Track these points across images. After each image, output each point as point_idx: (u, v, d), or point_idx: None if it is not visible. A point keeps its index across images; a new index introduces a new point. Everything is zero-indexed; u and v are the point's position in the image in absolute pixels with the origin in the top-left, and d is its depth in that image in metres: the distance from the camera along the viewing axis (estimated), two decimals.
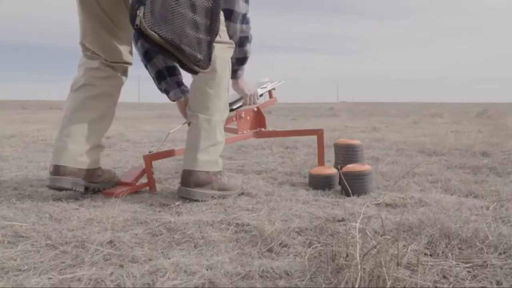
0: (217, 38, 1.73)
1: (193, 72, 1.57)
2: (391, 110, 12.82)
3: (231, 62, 1.96)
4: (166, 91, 1.99)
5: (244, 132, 2.24)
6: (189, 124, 1.77)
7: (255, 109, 2.28)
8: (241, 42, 1.96)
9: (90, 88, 1.74)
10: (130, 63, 1.86)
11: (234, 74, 2.07)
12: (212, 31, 1.57)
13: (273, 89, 2.45)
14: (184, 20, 1.48)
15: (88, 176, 1.70)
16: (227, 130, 2.31)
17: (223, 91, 1.76)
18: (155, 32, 1.41)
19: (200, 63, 1.53)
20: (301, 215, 1.43)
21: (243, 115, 2.23)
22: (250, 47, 2.02)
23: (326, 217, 1.39)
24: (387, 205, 1.60)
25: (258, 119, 2.30)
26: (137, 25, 1.41)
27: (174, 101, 2.03)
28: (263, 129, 2.29)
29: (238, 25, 1.91)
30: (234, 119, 2.24)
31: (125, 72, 1.86)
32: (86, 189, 1.71)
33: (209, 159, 1.70)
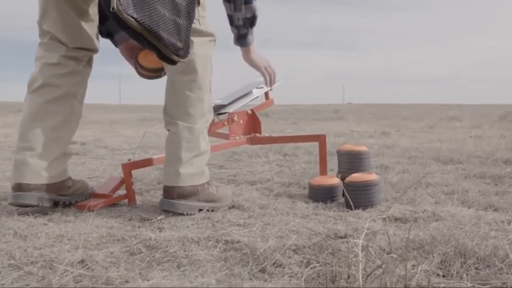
0: (196, 27, 1.68)
1: (171, 62, 1.53)
2: (403, 113, 12.86)
3: (238, 26, 1.89)
4: (109, 35, 1.89)
5: (237, 137, 2.24)
6: (168, 130, 1.74)
7: (249, 111, 2.29)
8: None
9: (50, 89, 1.69)
10: (96, 51, 1.80)
11: (244, 41, 1.96)
12: (190, 14, 1.54)
13: (270, 89, 2.45)
14: (162, 2, 1.46)
15: (55, 189, 1.69)
16: (217, 135, 2.31)
17: (205, 93, 1.74)
18: (132, 17, 1.39)
19: (180, 52, 1.51)
20: (299, 231, 1.43)
21: (235, 118, 2.23)
22: (257, 4, 1.91)
23: (327, 233, 1.39)
24: (396, 219, 1.60)
25: (253, 123, 2.30)
26: (113, 8, 1.37)
27: (118, 46, 1.92)
28: (258, 134, 2.29)
29: None
30: (225, 123, 2.24)
31: (89, 62, 1.80)
32: (56, 203, 1.70)
33: (194, 172, 1.69)
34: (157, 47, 1.48)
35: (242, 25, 1.91)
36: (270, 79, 2.13)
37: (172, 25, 1.49)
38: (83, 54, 1.75)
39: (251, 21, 1.91)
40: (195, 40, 1.68)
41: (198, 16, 1.70)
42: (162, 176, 1.74)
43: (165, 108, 1.75)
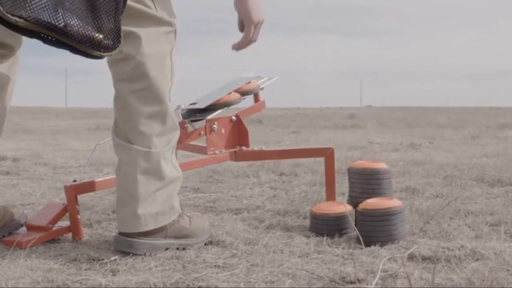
0: (151, 12, 1.63)
1: (94, 57, 1.46)
2: (438, 119, 12.94)
3: None
4: None
5: (217, 152, 2.25)
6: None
7: (234, 117, 2.29)
8: None
9: None
10: (11, 48, 1.71)
11: None
12: None
13: (261, 88, 2.46)
14: None
15: None
16: (191, 148, 2.31)
17: (164, 104, 1.68)
18: (20, 17, 1.30)
19: (102, 44, 1.44)
20: (296, 274, 1.43)
21: (215, 126, 2.23)
22: None
23: (332, 277, 1.39)
24: (424, 258, 1.61)
25: (238, 132, 2.31)
26: None
27: None
28: (245, 147, 2.30)
29: None
30: (202, 132, 2.24)
31: (11, 68, 1.73)
32: None
33: (159, 210, 1.67)
34: (66, 43, 1.40)
35: None
36: (249, 36, 1.83)
37: (84, 10, 1.41)
38: None
39: None
40: (145, 32, 1.63)
41: None
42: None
43: (115, 125, 1.71)
